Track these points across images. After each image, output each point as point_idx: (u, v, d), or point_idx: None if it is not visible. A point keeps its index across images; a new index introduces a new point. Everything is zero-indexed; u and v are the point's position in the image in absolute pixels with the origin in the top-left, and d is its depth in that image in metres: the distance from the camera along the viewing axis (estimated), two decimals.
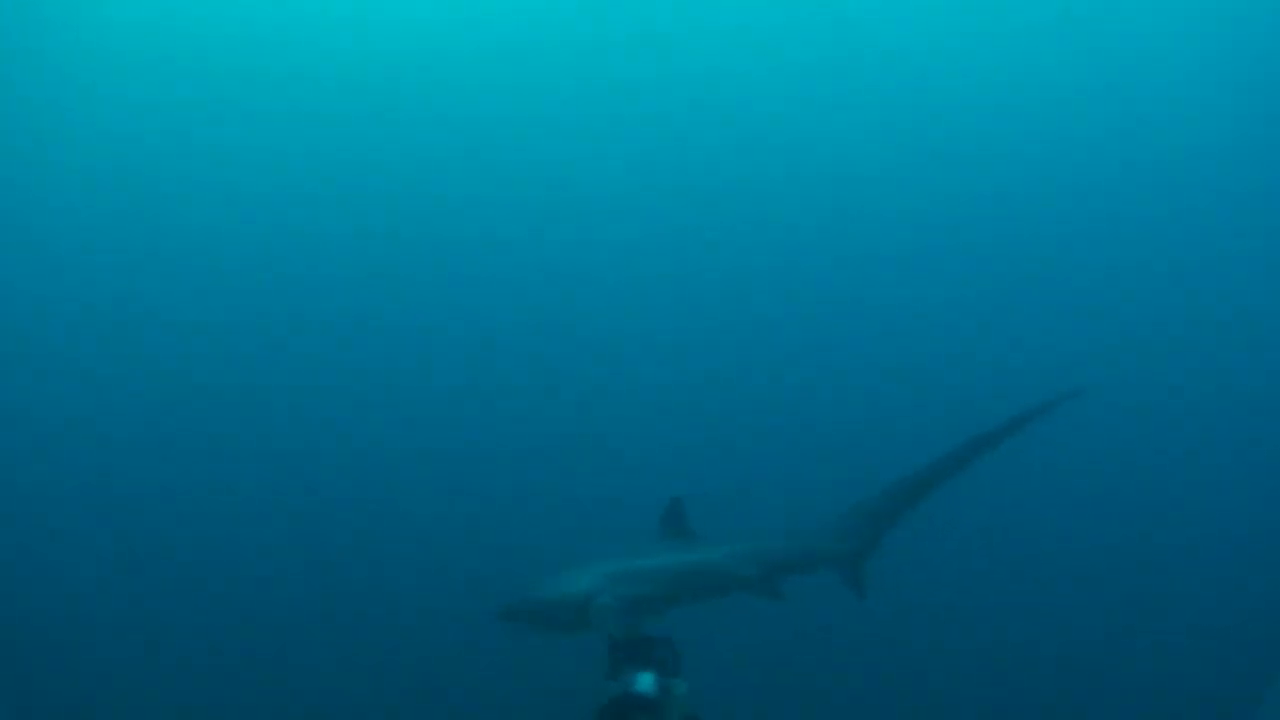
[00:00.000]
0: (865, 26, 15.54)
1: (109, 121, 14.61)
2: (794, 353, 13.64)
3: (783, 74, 15.62)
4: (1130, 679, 9.97)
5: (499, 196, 14.94)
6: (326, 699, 9.23)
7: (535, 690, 7.95)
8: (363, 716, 9.27)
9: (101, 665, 9.86)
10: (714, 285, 14.43)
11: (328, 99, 15.06)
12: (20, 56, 13.82)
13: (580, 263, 14.53)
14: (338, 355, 13.37)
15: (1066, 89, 15.59)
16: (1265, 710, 9.41)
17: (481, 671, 8.65)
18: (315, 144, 14.97)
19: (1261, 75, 14.69)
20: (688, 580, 6.12)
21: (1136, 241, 14.66)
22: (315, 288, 14.18)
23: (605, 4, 15.15)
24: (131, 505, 11.69)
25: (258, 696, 9.22)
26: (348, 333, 13.60)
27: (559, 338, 13.61)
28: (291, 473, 11.84)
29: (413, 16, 15.28)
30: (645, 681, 3.22)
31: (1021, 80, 15.69)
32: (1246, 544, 11.28)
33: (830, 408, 12.96)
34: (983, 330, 13.77)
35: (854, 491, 6.56)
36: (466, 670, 8.86)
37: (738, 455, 11.76)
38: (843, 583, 6.48)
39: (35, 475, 11.73)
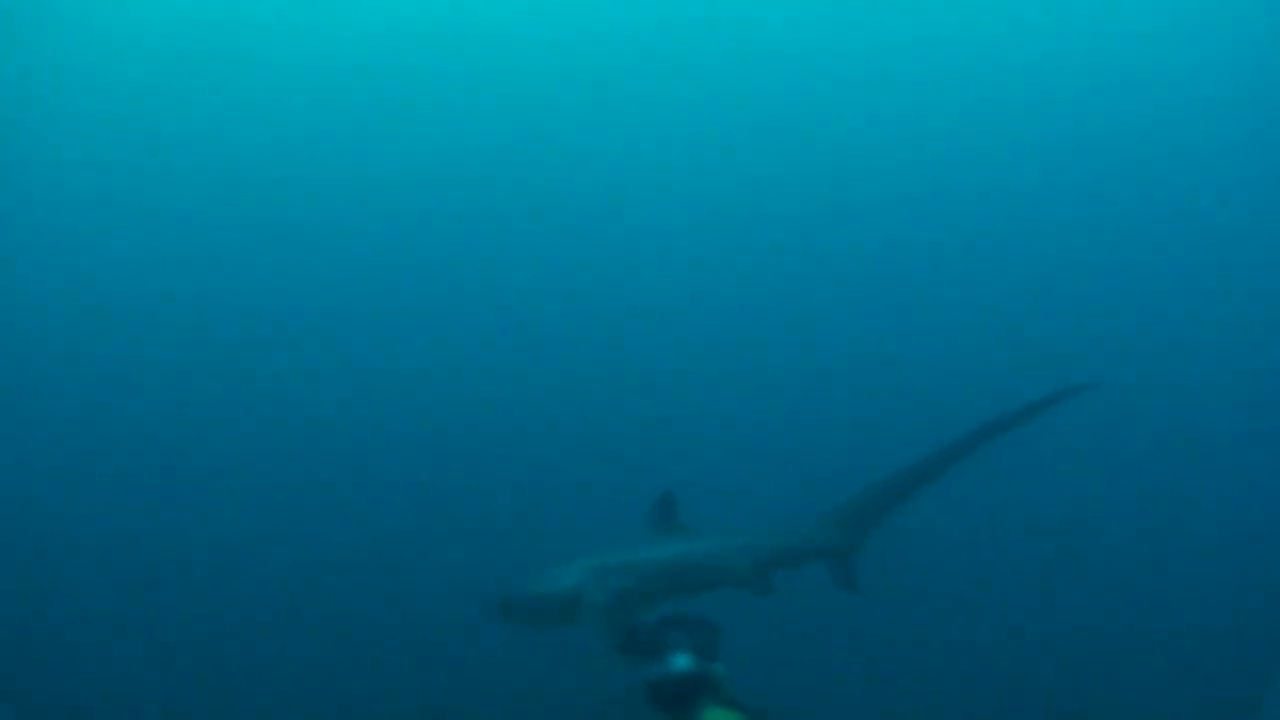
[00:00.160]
0: (874, 23, 15.58)
1: (108, 121, 14.70)
2: (784, 345, 13.64)
3: (782, 73, 15.65)
4: (1130, 679, 9.91)
5: (487, 196, 15.01)
6: (325, 698, 9.23)
7: (531, 686, 7.95)
8: (360, 714, 9.26)
9: (102, 665, 9.87)
10: (704, 279, 14.44)
11: (329, 99, 15.15)
12: (20, 56, 13.92)
13: (571, 259, 14.56)
14: (331, 354, 13.42)
15: (1082, 79, 15.59)
16: (1265, 710, 9.35)
17: (474, 667, 8.65)
18: (316, 136, 15.05)
19: None
20: (678, 574, 6.10)
21: (1135, 242, 14.65)
22: (315, 288, 14.24)
23: (605, 4, 15.24)
24: (131, 505, 11.73)
25: (256, 696, 9.23)
26: (342, 332, 13.66)
27: (551, 333, 13.65)
28: (289, 472, 11.88)
29: (413, 15, 15.37)
30: (682, 662, 3.19)
31: (1038, 71, 15.69)
32: (1247, 544, 11.23)
33: (822, 401, 12.95)
34: (976, 325, 13.76)
35: (846, 485, 6.55)
36: (460, 666, 8.86)
37: (728, 448, 11.76)
38: (833, 578, 6.48)
39: (35, 475, 11.78)
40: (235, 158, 14.96)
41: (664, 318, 13.98)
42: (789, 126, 15.54)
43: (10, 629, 10.20)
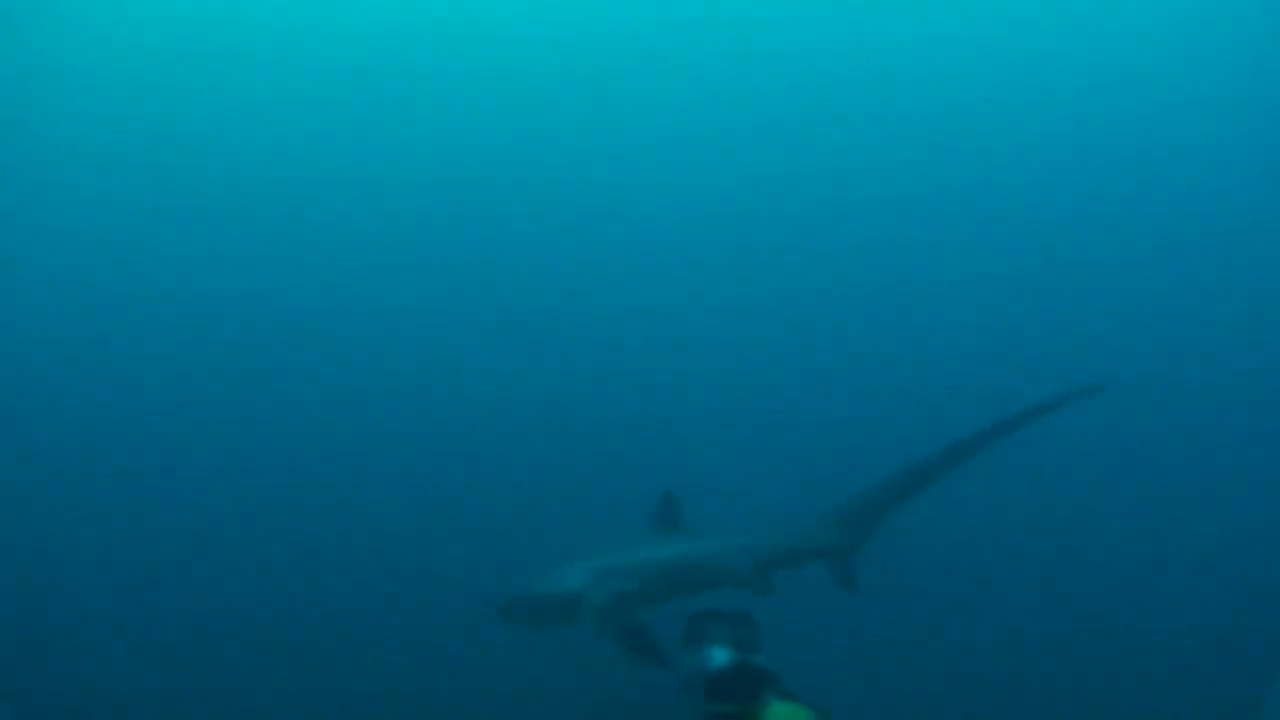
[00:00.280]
0: (874, 23, 15.58)
1: (108, 121, 14.70)
2: (785, 346, 13.65)
3: (783, 73, 15.65)
4: (1130, 679, 9.91)
5: (487, 197, 15.00)
6: (325, 698, 9.22)
7: (532, 686, 7.95)
8: (361, 714, 9.26)
9: (102, 665, 9.86)
10: (705, 279, 14.45)
11: (329, 99, 15.15)
12: (20, 56, 13.91)
13: (572, 260, 14.57)
14: (331, 353, 13.42)
15: (1083, 79, 15.59)
16: (1265, 710, 9.35)
17: (475, 667, 8.65)
18: (316, 135, 15.04)
19: None
20: (679, 575, 6.11)
21: (1135, 242, 14.65)
22: (315, 287, 14.25)
23: (606, 4, 15.23)
24: (131, 505, 11.73)
25: (256, 696, 9.22)
26: (343, 332, 13.66)
27: (552, 334, 13.64)
28: (289, 472, 11.88)
29: (413, 15, 15.36)
30: (721, 656, 3.19)
31: (1038, 71, 15.69)
32: (1247, 544, 11.23)
33: (822, 401, 12.96)
34: (976, 325, 13.75)
35: (846, 486, 6.55)
36: (460, 666, 8.86)
37: (729, 449, 11.77)
38: (833, 578, 6.48)
39: (35, 476, 11.77)
40: (235, 157, 14.96)
41: (665, 318, 13.99)
42: (789, 127, 15.55)
43: (10, 629, 10.20)
